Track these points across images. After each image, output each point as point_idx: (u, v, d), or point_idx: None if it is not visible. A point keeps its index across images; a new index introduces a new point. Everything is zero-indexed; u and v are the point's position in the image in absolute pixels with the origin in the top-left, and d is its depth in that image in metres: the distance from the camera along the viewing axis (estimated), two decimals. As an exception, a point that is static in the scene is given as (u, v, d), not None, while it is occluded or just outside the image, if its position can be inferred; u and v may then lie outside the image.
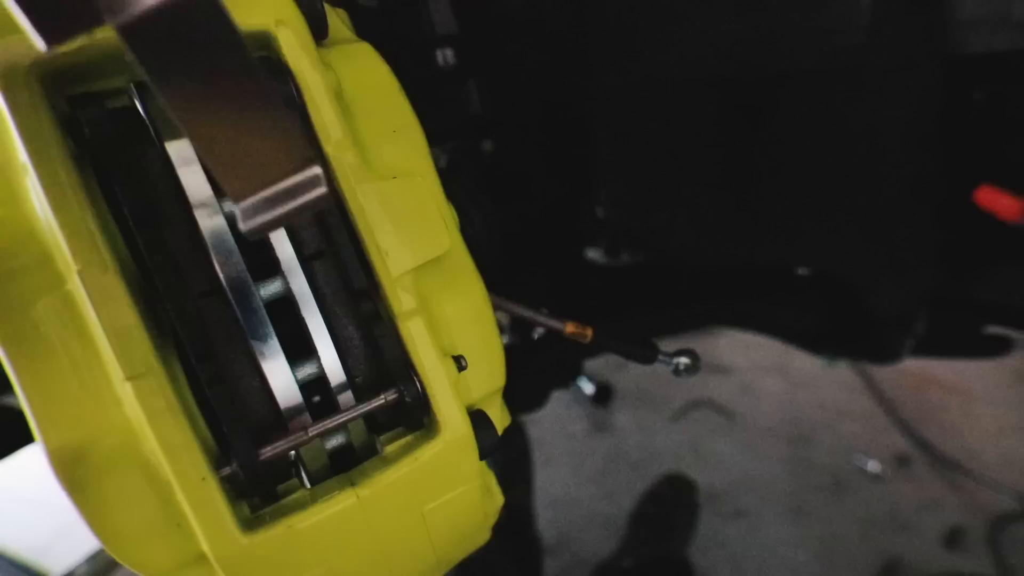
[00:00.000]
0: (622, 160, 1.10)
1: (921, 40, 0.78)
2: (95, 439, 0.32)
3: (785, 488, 2.09)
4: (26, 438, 1.30)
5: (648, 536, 1.87)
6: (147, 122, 0.36)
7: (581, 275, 1.27)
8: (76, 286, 0.32)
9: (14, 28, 0.33)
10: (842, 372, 2.51)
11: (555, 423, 2.46)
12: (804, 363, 2.58)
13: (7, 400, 1.19)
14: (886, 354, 0.97)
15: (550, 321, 0.55)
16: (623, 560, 1.72)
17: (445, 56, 0.68)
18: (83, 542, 2.17)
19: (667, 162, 1.05)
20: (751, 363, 2.78)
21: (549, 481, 2.19)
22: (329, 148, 0.36)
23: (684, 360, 0.60)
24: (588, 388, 2.48)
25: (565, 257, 1.31)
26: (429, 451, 0.38)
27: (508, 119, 0.83)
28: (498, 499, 0.46)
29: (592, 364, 2.43)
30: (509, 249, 0.92)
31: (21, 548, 2.22)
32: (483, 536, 0.47)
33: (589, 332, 0.56)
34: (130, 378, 0.31)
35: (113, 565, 1.66)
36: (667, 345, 0.64)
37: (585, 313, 1.24)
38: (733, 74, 0.86)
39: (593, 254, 1.38)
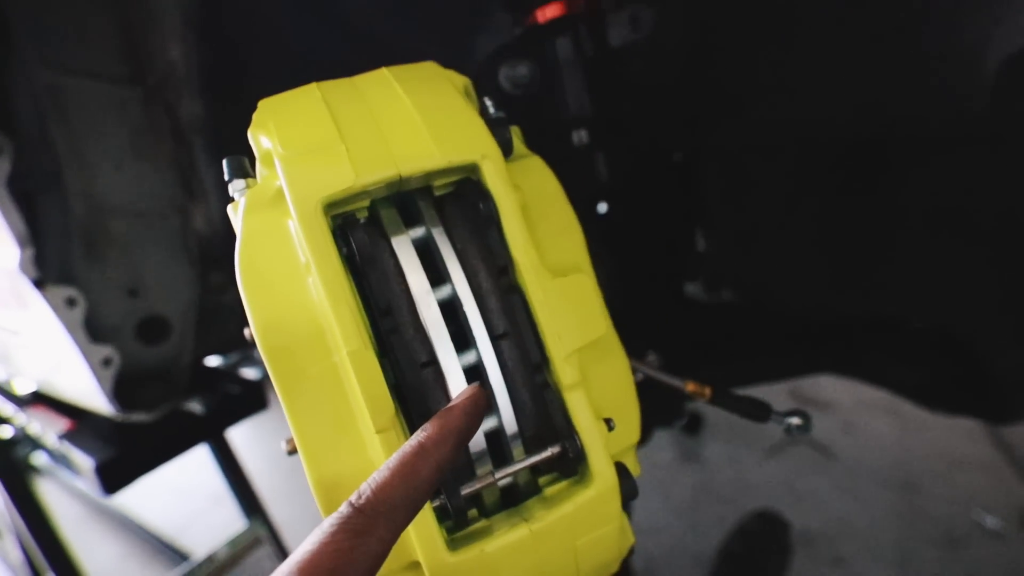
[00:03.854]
0: (729, 206, 1.15)
1: None
2: (348, 475, 0.44)
3: (891, 537, 2.00)
4: (195, 440, 1.52)
5: (736, 575, 1.85)
6: (382, 228, 0.48)
7: (683, 313, 1.31)
8: (342, 359, 0.43)
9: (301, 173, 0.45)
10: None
11: (640, 450, 2.47)
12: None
13: (187, 407, 1.41)
14: (1008, 415, 0.95)
15: (673, 380, 0.63)
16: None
17: (580, 137, 0.78)
18: (219, 526, 2.45)
19: (775, 211, 1.09)
20: (856, 401, 2.66)
21: (634, 509, 2.20)
22: (517, 253, 0.46)
23: (796, 420, 0.65)
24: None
25: (666, 293, 1.35)
26: (584, 496, 0.47)
27: (628, 182, 0.92)
28: (629, 538, 0.54)
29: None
30: (622, 295, 0.99)
31: (162, 527, 2.55)
32: (615, 567, 0.55)
33: (708, 391, 0.63)
34: (379, 431, 0.42)
35: (247, 549, 1.87)
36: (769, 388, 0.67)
37: (687, 354, 1.28)
38: (850, 136, 0.89)
39: (692, 289, 1.41)
